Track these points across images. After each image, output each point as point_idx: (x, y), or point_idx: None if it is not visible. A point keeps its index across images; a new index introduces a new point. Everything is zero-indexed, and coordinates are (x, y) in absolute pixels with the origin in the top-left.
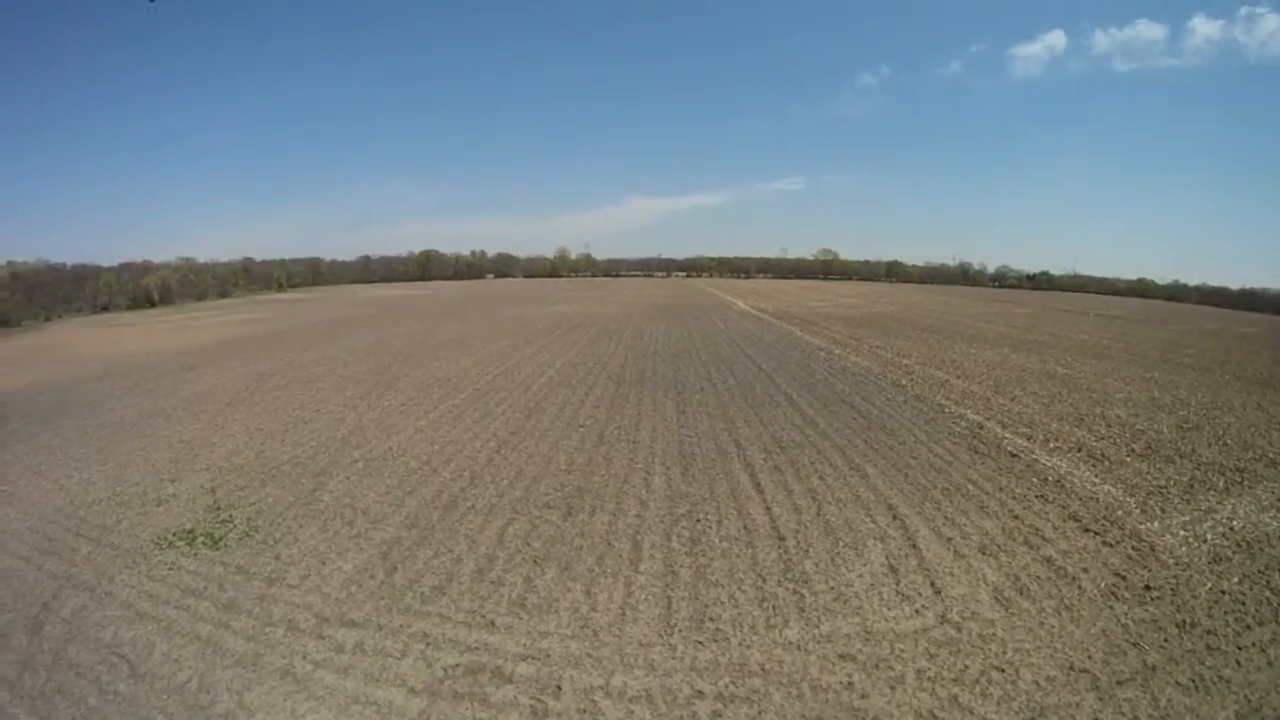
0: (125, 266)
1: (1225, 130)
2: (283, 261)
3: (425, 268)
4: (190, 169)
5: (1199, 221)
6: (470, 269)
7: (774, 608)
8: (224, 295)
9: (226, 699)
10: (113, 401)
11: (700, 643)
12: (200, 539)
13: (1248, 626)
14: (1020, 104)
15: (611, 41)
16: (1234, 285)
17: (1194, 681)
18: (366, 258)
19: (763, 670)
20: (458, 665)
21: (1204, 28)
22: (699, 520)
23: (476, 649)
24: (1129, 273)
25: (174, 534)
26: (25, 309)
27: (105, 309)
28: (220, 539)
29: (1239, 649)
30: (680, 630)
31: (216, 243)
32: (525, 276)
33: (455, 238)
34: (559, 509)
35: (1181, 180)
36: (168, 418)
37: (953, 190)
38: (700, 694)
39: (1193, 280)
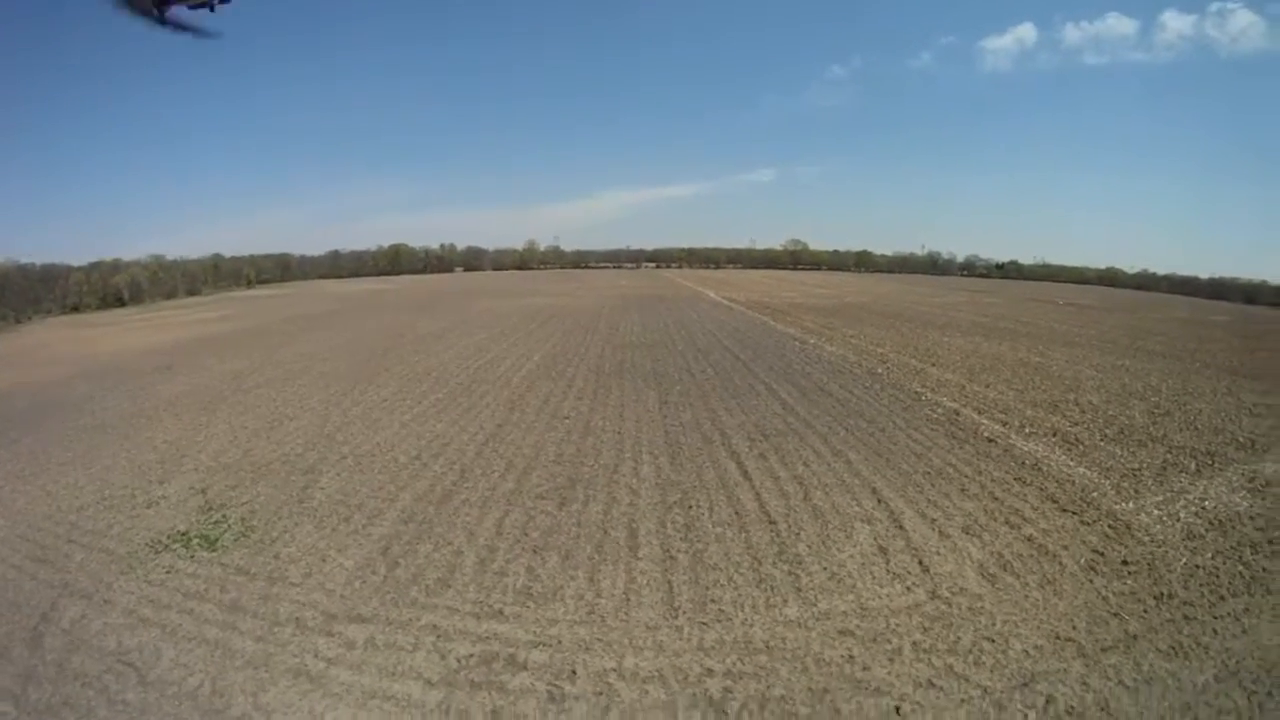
0: (95, 265)
1: (1196, 124)
2: (252, 258)
3: (394, 262)
4: (159, 166)
5: (1169, 212)
6: (439, 263)
7: (772, 588)
8: (193, 293)
9: (241, 701)
10: (92, 404)
11: (705, 623)
12: (196, 541)
13: (1222, 598)
14: (990, 96)
15: (584, 35)
16: (1203, 275)
17: (1173, 648)
18: (335, 253)
19: (767, 647)
20: (471, 655)
21: (1175, 23)
22: (691, 507)
23: (487, 639)
24: (1098, 262)
25: (168, 537)
26: None
27: (76, 309)
28: (216, 540)
29: (1215, 618)
30: (684, 612)
31: (186, 240)
32: (494, 269)
33: (425, 232)
34: (553, 499)
35: (1152, 172)
36: (149, 419)
37: (922, 181)
38: (710, 671)
39: (1162, 270)
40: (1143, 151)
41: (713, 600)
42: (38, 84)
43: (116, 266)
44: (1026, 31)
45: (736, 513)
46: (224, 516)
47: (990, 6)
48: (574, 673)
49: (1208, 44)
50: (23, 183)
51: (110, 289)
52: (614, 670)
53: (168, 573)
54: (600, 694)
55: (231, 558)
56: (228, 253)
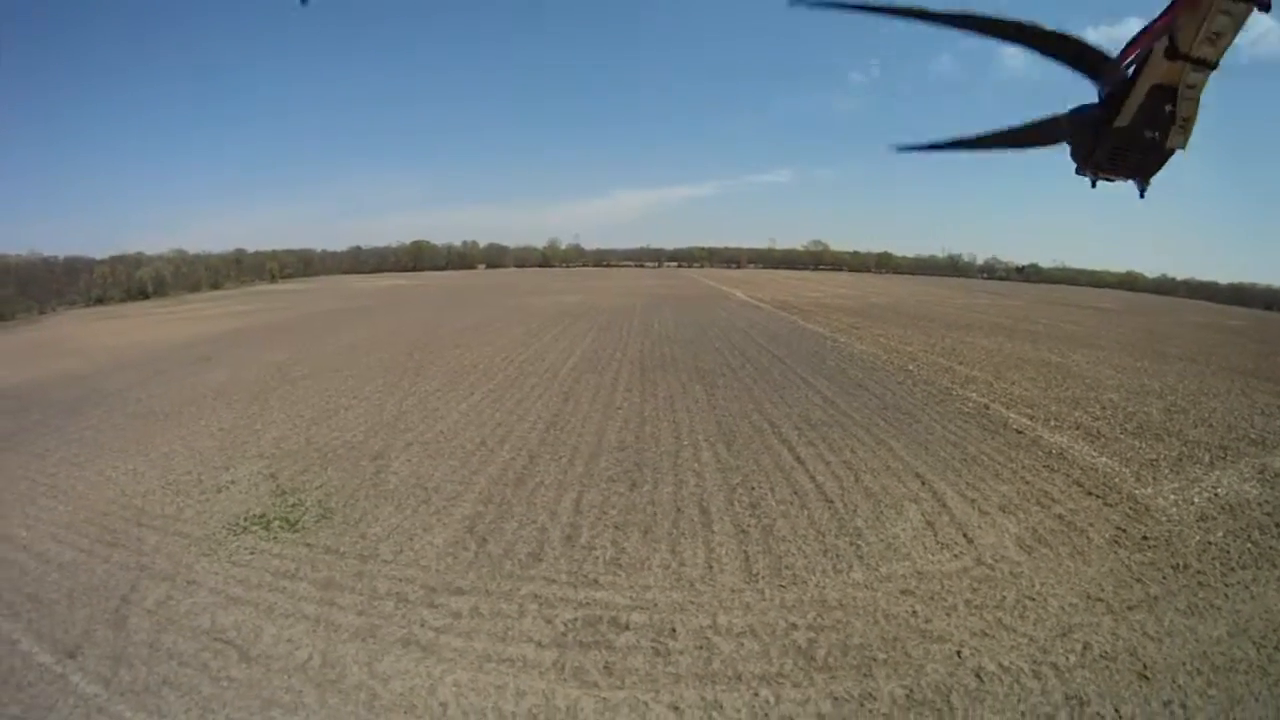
0: (118, 259)
1: (1218, 127)
2: (274, 253)
3: (417, 258)
4: (181, 160)
5: (1189, 217)
6: (462, 259)
7: (838, 556)
8: (216, 287)
9: (356, 671)
10: (135, 392)
11: (783, 586)
12: (276, 523)
13: (1232, 569)
14: (1010, 99)
15: (602, 35)
16: (1223, 280)
17: (1190, 607)
18: (358, 248)
19: (841, 605)
20: (575, 619)
21: None
22: (754, 488)
23: (588, 604)
24: (1117, 266)
25: (245, 519)
26: (18, 302)
27: (100, 301)
28: (296, 522)
29: (1226, 585)
30: (763, 577)
31: (207, 234)
32: (516, 267)
33: (444, 228)
34: (624, 482)
35: (1173, 176)
36: (200, 407)
37: (942, 183)
38: (794, 626)
39: (1181, 274)
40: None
41: (786, 567)
42: (56, 78)
43: (139, 260)
44: None
45: (795, 493)
46: (300, 500)
47: (1011, 10)
48: (674, 630)
49: (1229, 47)
50: (44, 176)
51: (134, 282)
52: (709, 627)
53: (252, 554)
54: (700, 648)
55: (317, 538)
56: (248, 247)
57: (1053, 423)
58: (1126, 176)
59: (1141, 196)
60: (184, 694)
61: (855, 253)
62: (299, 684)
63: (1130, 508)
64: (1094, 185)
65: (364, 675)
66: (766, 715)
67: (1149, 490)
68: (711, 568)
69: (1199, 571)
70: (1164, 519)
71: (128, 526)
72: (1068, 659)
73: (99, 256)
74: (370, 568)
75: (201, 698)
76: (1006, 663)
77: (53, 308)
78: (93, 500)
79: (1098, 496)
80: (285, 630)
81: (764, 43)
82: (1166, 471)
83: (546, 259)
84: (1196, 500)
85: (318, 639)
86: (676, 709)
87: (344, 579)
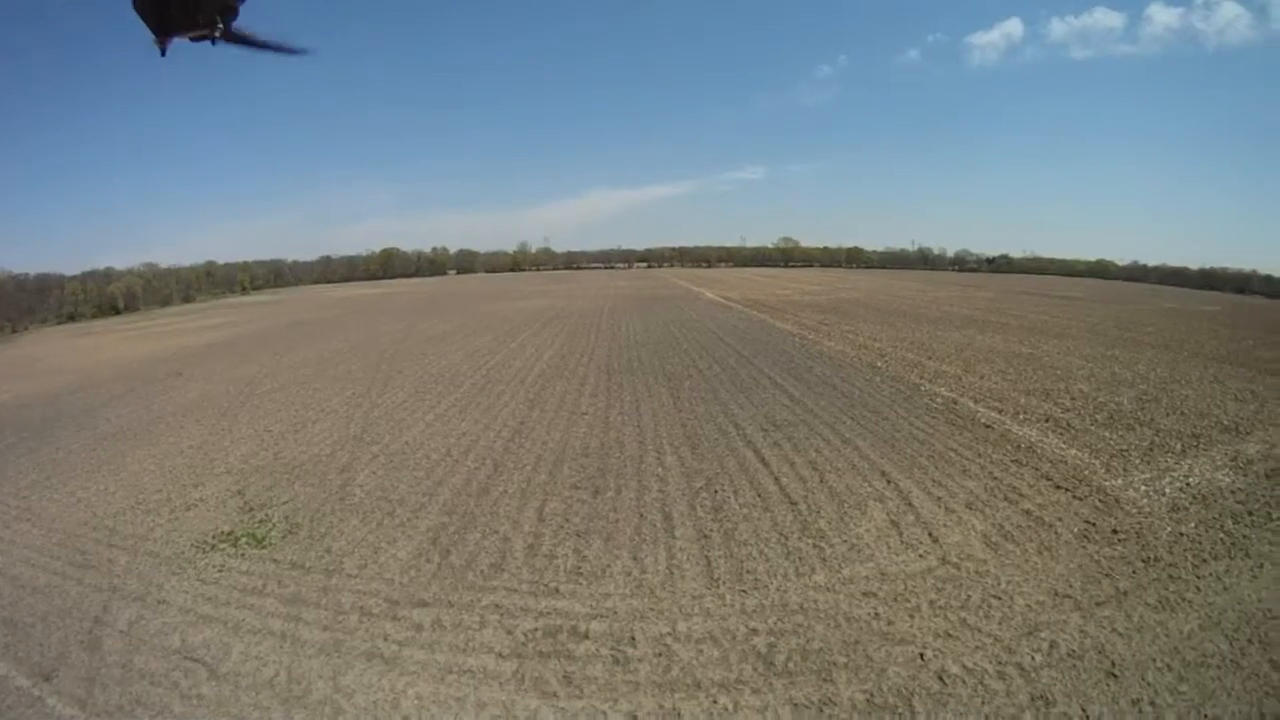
0: (88, 274)
1: (1185, 116)
2: (245, 264)
3: (386, 266)
4: (149, 174)
5: (1158, 204)
6: (432, 266)
7: (800, 559)
8: (188, 300)
9: (321, 686)
10: (107, 411)
11: (744, 591)
12: (243, 539)
13: (1204, 560)
14: (979, 91)
15: (570, 35)
16: (1194, 265)
17: (1160, 602)
18: (328, 258)
19: (802, 609)
20: (535, 629)
21: (1162, 15)
22: (717, 491)
23: (548, 614)
24: (1088, 254)
25: (214, 537)
26: None
27: (72, 318)
28: (263, 538)
29: (1198, 578)
30: (724, 582)
31: (178, 248)
32: (487, 272)
33: (415, 235)
34: (587, 489)
35: (1141, 164)
36: (170, 425)
37: (912, 176)
38: (755, 631)
39: (1152, 261)
40: (1132, 144)
41: (748, 571)
42: (20, 96)
43: (109, 275)
44: (1014, 26)
45: (759, 495)
46: (267, 516)
47: (977, 2)
48: (633, 638)
49: (1195, 36)
50: (11, 194)
51: (105, 298)
52: (669, 634)
53: (220, 571)
54: (660, 655)
55: (283, 554)
56: (218, 259)
57: (1022, 416)
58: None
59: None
60: (156, 714)
61: (826, 248)
62: (266, 700)
63: (1100, 500)
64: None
65: (329, 690)
66: None
67: (1119, 482)
68: (672, 574)
69: (1170, 564)
70: (1134, 511)
71: (99, 548)
72: (1034, 659)
73: (70, 273)
74: (335, 582)
75: (173, 716)
76: (970, 664)
77: (24, 326)
78: (65, 522)
79: (1066, 490)
80: (253, 647)
81: (734, 38)
82: (1137, 462)
83: (517, 263)
84: (1168, 491)
85: (284, 654)
86: (634, 717)
87: (309, 594)
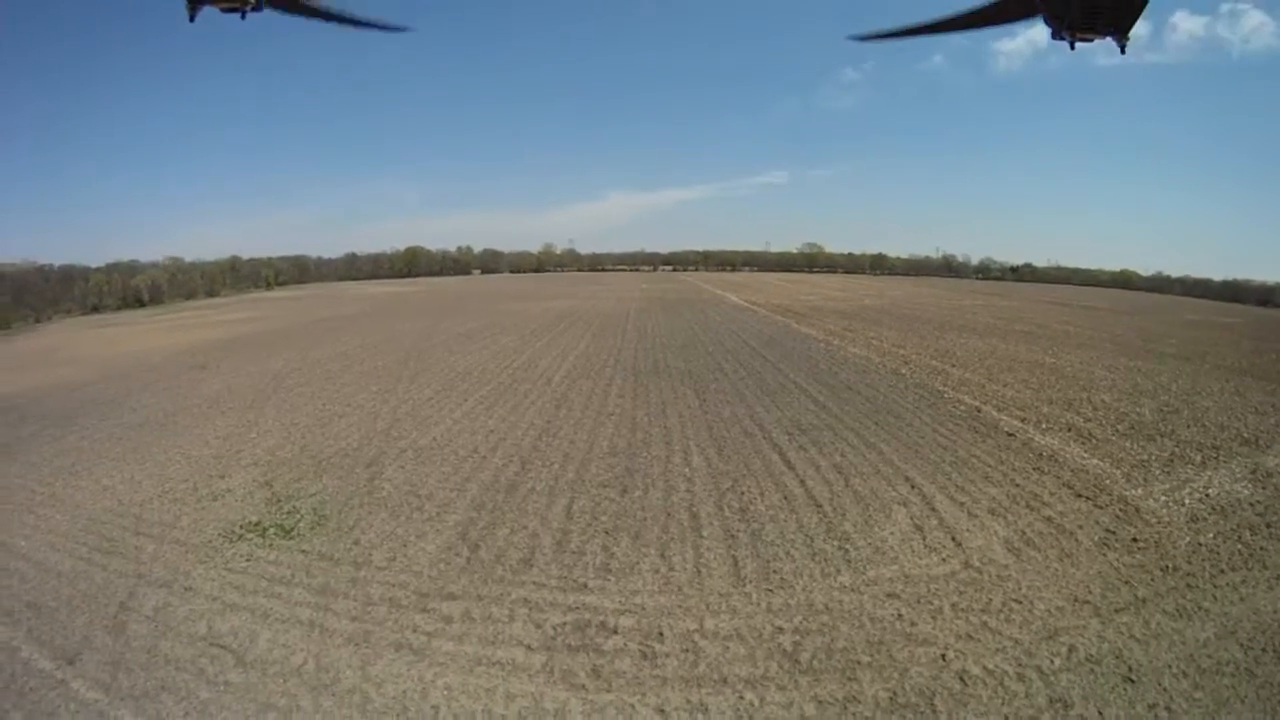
0: (113, 266)
1: (1210, 124)
2: (270, 260)
3: (411, 264)
4: (176, 168)
5: (1183, 214)
6: (456, 265)
7: (825, 560)
8: (212, 294)
9: (350, 675)
10: (131, 401)
11: (770, 590)
12: (271, 530)
13: (1221, 570)
14: (1003, 99)
15: (593, 38)
16: (1217, 277)
17: (1178, 610)
18: (353, 255)
19: (827, 609)
20: (565, 623)
21: (1186, 23)
22: (743, 493)
23: (577, 608)
24: (1112, 264)
25: (241, 526)
26: (14, 311)
27: (95, 310)
28: (291, 529)
29: (1215, 587)
30: (751, 581)
31: (203, 241)
32: (511, 272)
33: (438, 234)
34: (614, 487)
35: (1166, 173)
36: (196, 416)
37: (936, 183)
38: (780, 629)
39: (1176, 272)
40: (1156, 152)
41: (774, 571)
42: (50, 86)
43: (133, 268)
44: (1038, 34)
45: (785, 497)
46: (295, 508)
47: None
48: (661, 634)
49: (1220, 45)
50: (39, 185)
51: (130, 290)
52: (696, 631)
53: (248, 560)
54: (687, 651)
55: (312, 545)
56: (243, 254)
57: (1044, 425)
58: (1104, 34)
59: (1123, 52)
60: (182, 699)
61: (850, 254)
62: (294, 688)
63: (1120, 509)
64: (1073, 48)
65: (358, 679)
66: (751, 718)
67: (1139, 491)
68: (700, 572)
69: (1188, 573)
70: (1154, 520)
71: (125, 535)
72: (1053, 662)
73: (95, 265)
74: (364, 574)
75: (199, 702)
76: (991, 666)
77: (49, 316)
78: (91, 509)
79: (1087, 498)
80: (280, 635)
81: (759, 42)
82: (1157, 472)
83: (541, 264)
84: (1187, 501)
85: (312, 643)
86: (662, 711)
87: (338, 585)
